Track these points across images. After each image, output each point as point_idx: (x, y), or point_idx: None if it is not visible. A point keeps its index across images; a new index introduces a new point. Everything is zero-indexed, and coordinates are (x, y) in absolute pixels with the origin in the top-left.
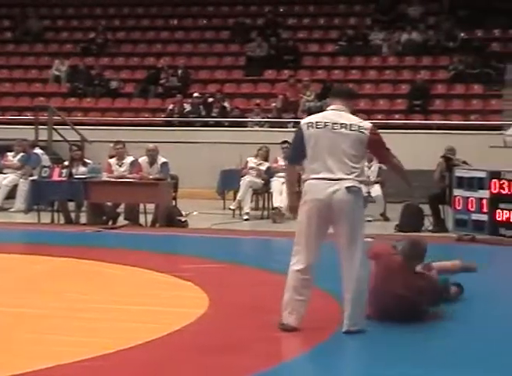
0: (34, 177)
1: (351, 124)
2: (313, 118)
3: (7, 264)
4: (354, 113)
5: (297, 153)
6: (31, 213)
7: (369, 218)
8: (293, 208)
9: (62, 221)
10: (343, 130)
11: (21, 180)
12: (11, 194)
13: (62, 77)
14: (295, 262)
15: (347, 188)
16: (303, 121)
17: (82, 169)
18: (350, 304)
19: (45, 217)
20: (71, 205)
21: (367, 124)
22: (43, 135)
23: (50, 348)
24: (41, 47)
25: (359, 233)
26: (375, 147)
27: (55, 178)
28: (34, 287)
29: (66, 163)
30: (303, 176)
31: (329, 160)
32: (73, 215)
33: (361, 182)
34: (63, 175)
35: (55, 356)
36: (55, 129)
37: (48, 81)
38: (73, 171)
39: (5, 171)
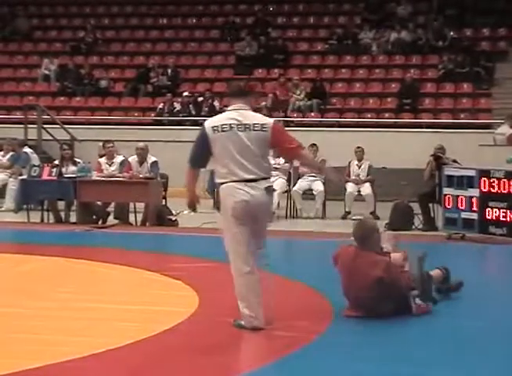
0: (24, 176)
1: (254, 124)
2: (218, 121)
3: None
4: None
5: (201, 156)
6: (21, 212)
7: (360, 217)
8: (193, 203)
9: (52, 220)
10: (247, 131)
11: (10, 179)
12: (0, 194)
13: (51, 77)
14: (241, 267)
15: (266, 189)
16: (208, 125)
17: (72, 168)
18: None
19: (35, 216)
20: (61, 204)
21: (269, 121)
22: (32, 134)
23: (40, 348)
24: (29, 46)
25: (266, 229)
26: (279, 143)
27: (45, 177)
28: (24, 286)
29: (56, 162)
30: (218, 180)
31: (243, 161)
32: (63, 214)
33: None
34: (53, 174)
35: (46, 355)
36: (44, 128)
37: (37, 80)
38: (63, 170)
39: None
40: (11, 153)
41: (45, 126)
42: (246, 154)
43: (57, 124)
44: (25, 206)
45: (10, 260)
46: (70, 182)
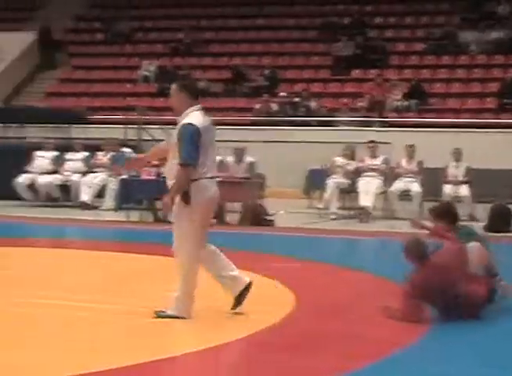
0: (124, 176)
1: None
2: (202, 121)
3: (97, 261)
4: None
5: (198, 153)
6: (121, 211)
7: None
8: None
9: (150, 219)
10: (214, 132)
11: (110, 179)
12: (100, 193)
13: (150, 78)
14: (196, 255)
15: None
16: (198, 124)
17: None
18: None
19: (134, 215)
20: (160, 204)
21: None
22: (133, 134)
23: (139, 344)
24: (130, 48)
25: None
26: None
27: (145, 177)
28: (123, 285)
29: (155, 162)
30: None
31: (213, 160)
32: (161, 214)
33: None
34: (152, 174)
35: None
36: (144, 129)
37: (137, 81)
38: (162, 170)
39: (95, 170)
40: (111, 153)
41: (144, 126)
42: (214, 154)
43: (157, 124)
44: (125, 205)
45: (109, 258)
46: None
